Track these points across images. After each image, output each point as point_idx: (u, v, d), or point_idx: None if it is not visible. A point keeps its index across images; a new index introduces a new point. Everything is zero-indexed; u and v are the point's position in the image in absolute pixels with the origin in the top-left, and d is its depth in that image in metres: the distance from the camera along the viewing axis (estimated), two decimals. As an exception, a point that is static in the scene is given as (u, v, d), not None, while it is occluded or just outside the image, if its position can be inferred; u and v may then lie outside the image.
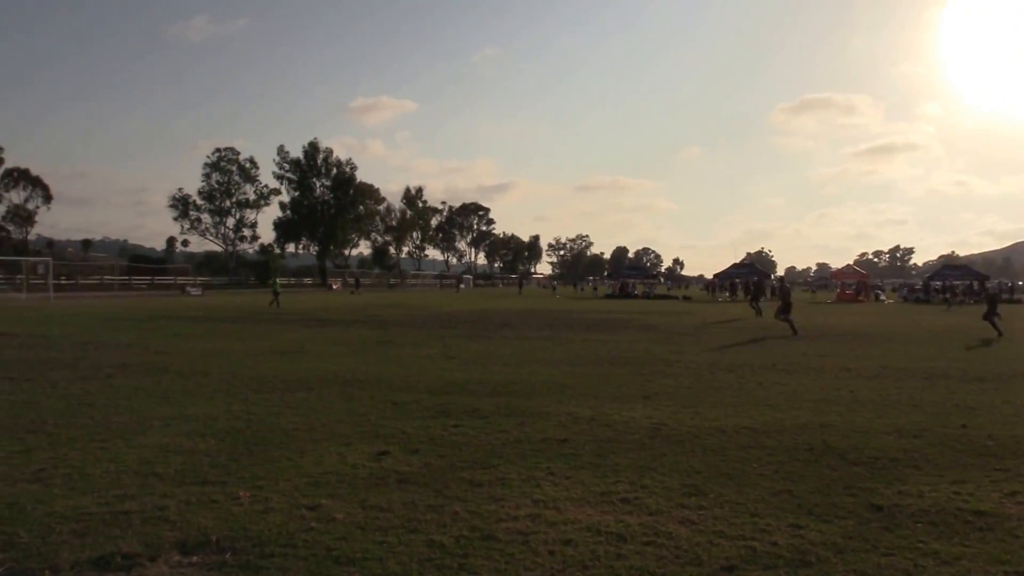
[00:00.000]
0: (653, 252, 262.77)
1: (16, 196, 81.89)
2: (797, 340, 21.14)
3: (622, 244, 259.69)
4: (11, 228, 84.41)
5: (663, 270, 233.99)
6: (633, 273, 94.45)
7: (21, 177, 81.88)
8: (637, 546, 4.85)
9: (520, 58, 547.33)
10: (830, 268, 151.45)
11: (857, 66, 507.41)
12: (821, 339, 21.78)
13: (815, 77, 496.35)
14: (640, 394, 11.08)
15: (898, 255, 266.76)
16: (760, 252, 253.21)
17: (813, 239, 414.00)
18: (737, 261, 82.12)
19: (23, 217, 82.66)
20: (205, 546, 4.74)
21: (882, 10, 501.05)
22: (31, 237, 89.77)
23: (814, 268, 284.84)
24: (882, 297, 67.37)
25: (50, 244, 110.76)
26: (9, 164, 78.06)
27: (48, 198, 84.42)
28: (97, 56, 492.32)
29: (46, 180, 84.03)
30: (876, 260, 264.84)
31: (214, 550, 4.68)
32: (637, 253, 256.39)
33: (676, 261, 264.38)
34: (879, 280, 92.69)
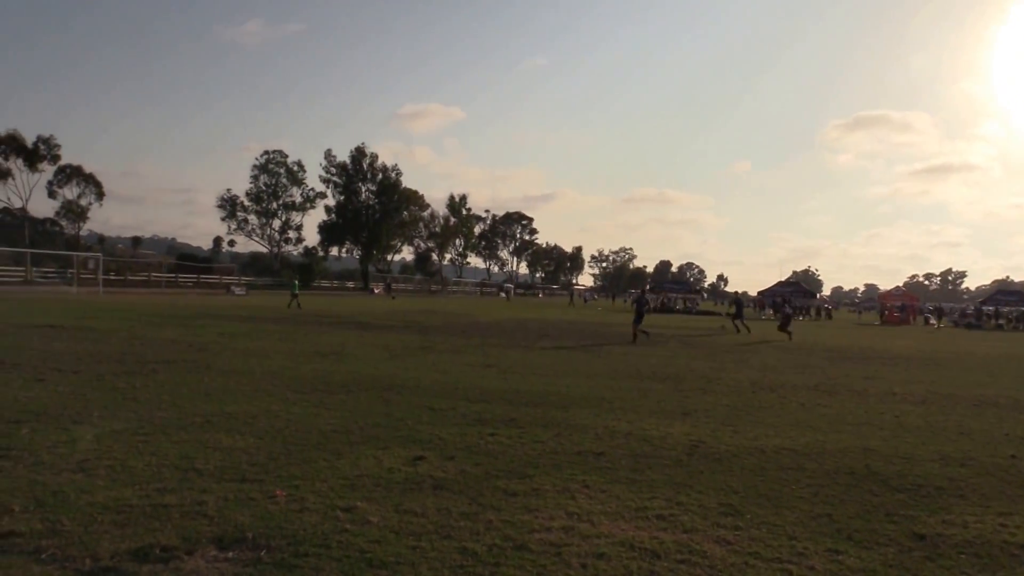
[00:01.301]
0: (697, 267, 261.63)
1: (70, 192, 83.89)
2: (833, 362, 20.81)
3: (666, 258, 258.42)
4: (64, 223, 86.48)
5: (706, 286, 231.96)
6: (675, 288, 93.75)
7: (75, 174, 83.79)
8: (671, 563, 4.80)
9: (568, 68, 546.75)
10: (878, 289, 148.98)
11: (914, 83, 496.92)
12: (866, 362, 21.40)
13: (870, 94, 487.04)
14: (679, 410, 10.98)
15: (950, 278, 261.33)
16: (807, 271, 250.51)
17: (862, 259, 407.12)
18: (783, 279, 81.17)
19: (76, 213, 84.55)
20: (241, 542, 4.79)
21: (941, 27, 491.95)
22: (83, 233, 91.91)
23: (862, 289, 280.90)
24: (931, 321, 66.00)
25: (101, 240, 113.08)
26: (64, 161, 79.86)
27: (100, 195, 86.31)
28: (151, 58, 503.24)
29: (99, 178, 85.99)
30: (927, 283, 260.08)
31: (250, 547, 4.73)
32: (680, 268, 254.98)
33: (720, 277, 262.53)
34: (928, 304, 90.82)
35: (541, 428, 9.07)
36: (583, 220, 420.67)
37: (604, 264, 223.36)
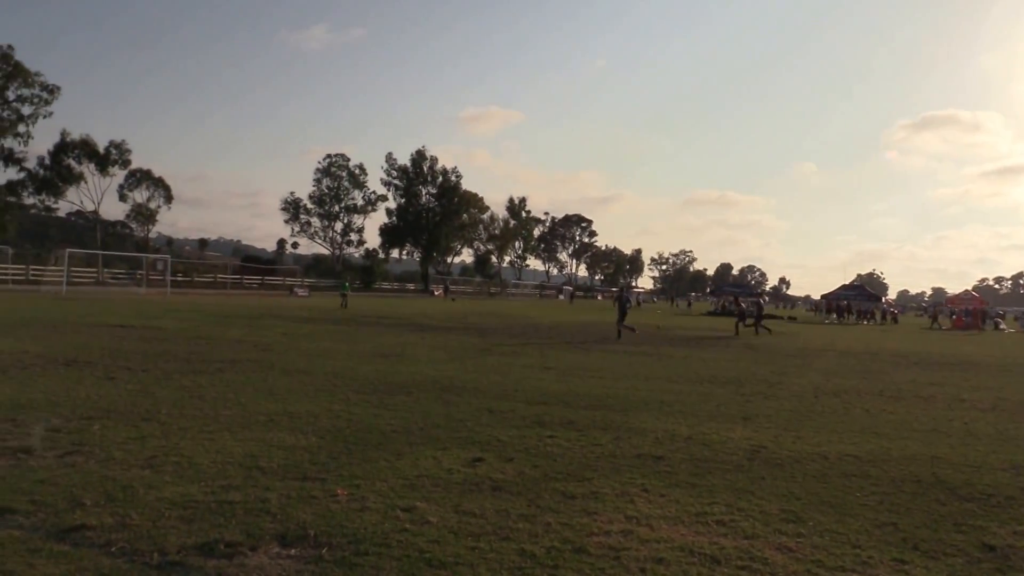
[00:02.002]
0: (758, 270, 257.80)
1: (140, 196, 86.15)
2: (898, 367, 20.28)
3: (726, 261, 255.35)
4: (134, 226, 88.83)
5: (768, 289, 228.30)
6: (736, 291, 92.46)
7: (145, 178, 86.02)
8: (732, 570, 4.74)
9: (628, 69, 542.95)
10: (946, 293, 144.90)
11: (986, 83, 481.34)
12: (933, 367, 20.81)
13: (939, 93, 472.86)
14: (740, 415, 10.83)
15: (1021, 281, 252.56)
16: (871, 274, 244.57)
17: (929, 262, 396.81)
18: (847, 282, 79.36)
19: (145, 216, 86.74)
20: (303, 540, 4.87)
21: (1013, 25, 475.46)
22: (152, 235, 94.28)
23: (929, 292, 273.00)
24: (1002, 326, 63.81)
25: (169, 242, 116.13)
26: (134, 165, 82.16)
27: (169, 198, 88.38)
28: (220, 65, 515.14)
29: (168, 181, 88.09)
30: (997, 287, 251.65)
31: (311, 544, 4.80)
32: (742, 271, 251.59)
33: (782, 280, 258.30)
34: (997, 308, 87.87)
35: (600, 431, 9.04)
36: (643, 222, 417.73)
37: (664, 267, 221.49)
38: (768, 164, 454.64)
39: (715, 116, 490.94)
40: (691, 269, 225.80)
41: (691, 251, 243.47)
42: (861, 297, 71.87)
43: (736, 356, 21.57)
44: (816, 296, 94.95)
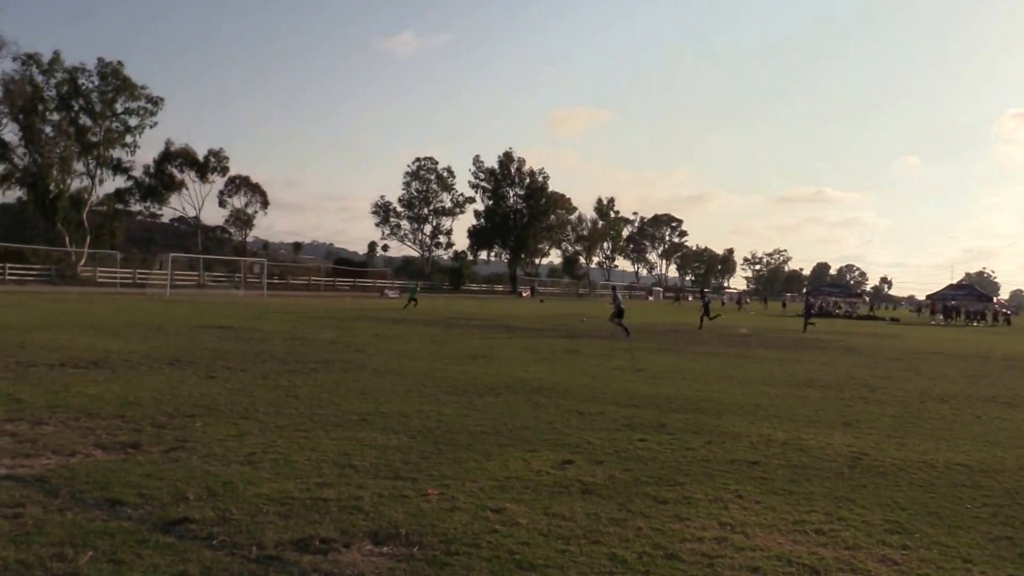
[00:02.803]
0: (858, 269, 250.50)
1: (237, 201, 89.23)
2: (1012, 371, 19.27)
3: (823, 260, 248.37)
4: (232, 230, 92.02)
5: (868, 289, 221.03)
6: (834, 291, 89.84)
7: (242, 184, 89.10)
8: (833, 581, 4.55)
9: (720, 64, 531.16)
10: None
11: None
12: (1049, 372, 19.72)
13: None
14: (839, 420, 10.47)
15: None
16: (981, 273, 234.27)
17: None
18: (954, 282, 76.14)
19: (243, 220, 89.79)
20: (395, 538, 4.91)
21: None
22: (249, 239, 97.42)
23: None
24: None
25: (265, 246, 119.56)
26: (232, 172, 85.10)
27: (265, 204, 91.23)
28: (313, 72, 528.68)
29: (264, 187, 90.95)
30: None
31: (403, 543, 4.83)
32: (840, 270, 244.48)
33: (883, 280, 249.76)
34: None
35: (692, 435, 8.87)
36: (735, 221, 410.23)
37: (757, 267, 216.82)
38: (868, 158, 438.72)
39: (810, 109, 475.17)
40: (786, 269, 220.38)
41: (785, 250, 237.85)
42: (970, 297, 69.07)
43: (834, 359, 20.90)
44: (920, 296, 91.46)
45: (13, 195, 67.05)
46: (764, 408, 11.22)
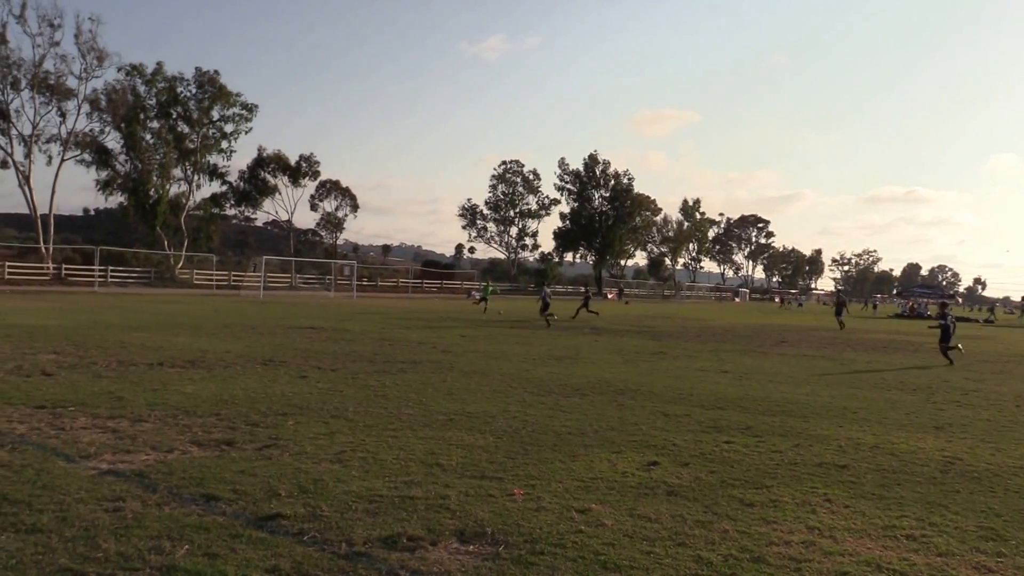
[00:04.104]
0: (950, 270, 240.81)
1: (328, 205, 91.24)
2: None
3: (914, 261, 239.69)
4: (323, 233, 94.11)
5: (961, 290, 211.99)
6: (925, 292, 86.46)
7: (333, 188, 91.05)
8: (928, 590, 4.42)
9: (809, 63, 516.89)
10: None
11: None
12: None
13: None
14: (931, 423, 10.12)
15: None
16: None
17: None
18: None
19: (334, 224, 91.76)
20: (481, 537, 4.98)
21: None
22: (339, 242, 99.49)
23: None
24: None
25: (355, 248, 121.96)
26: (323, 177, 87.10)
27: (355, 207, 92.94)
28: (403, 77, 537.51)
29: (354, 191, 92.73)
30: None
31: (489, 542, 4.90)
32: (932, 271, 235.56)
33: (977, 280, 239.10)
34: None
35: (779, 437, 8.70)
36: (823, 222, 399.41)
37: (846, 267, 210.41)
38: (961, 157, 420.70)
39: (900, 106, 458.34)
40: (875, 270, 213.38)
41: (875, 251, 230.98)
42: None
43: (925, 362, 20.14)
44: (1016, 298, 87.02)
45: (115, 200, 69.90)
46: (853, 411, 10.92)
